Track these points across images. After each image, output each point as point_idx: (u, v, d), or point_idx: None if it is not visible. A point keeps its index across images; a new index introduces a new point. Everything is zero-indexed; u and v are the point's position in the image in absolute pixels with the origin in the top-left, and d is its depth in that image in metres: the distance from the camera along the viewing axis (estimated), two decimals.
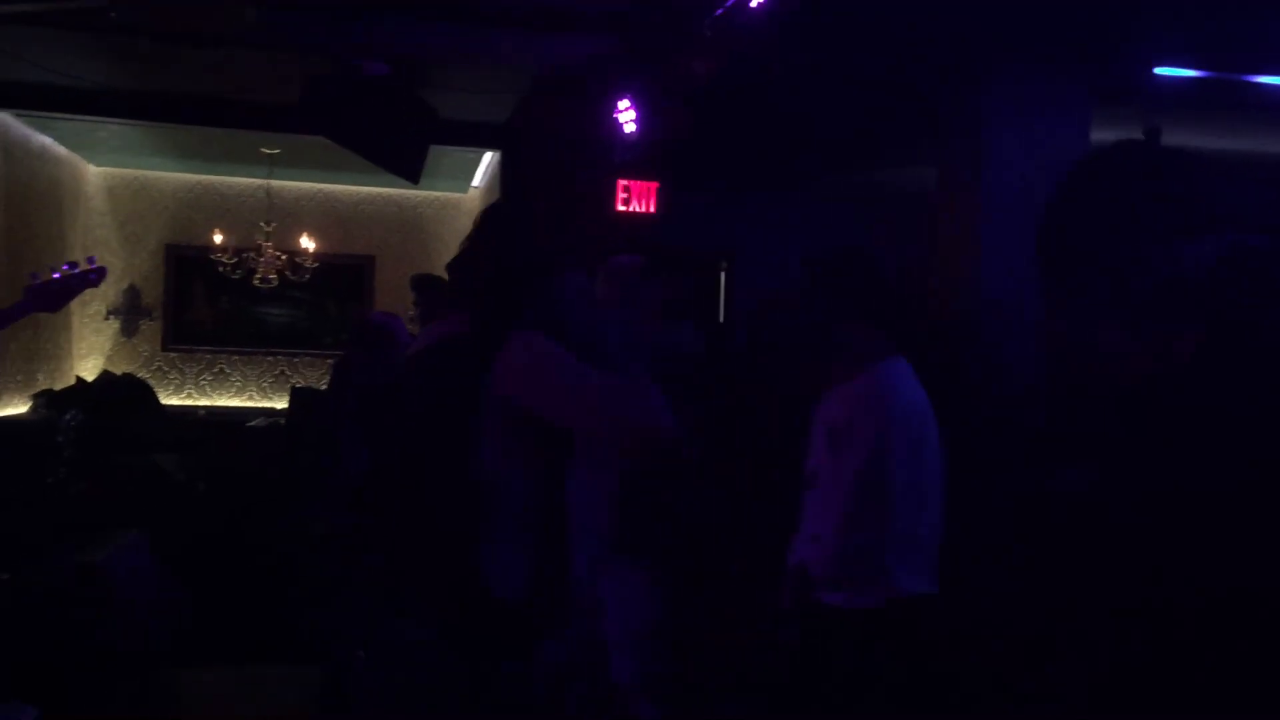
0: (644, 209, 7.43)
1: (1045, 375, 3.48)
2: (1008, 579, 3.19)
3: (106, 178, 9.65)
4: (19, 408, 7.99)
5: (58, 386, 8.58)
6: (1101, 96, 4.78)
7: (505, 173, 7.74)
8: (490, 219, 2.16)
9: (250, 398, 9.86)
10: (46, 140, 8.41)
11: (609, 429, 2.00)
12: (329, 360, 9.94)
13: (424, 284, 5.60)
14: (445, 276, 5.71)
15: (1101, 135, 4.82)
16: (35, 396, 8.14)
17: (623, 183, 7.07)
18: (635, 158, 6.30)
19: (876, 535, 2.88)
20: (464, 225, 9.26)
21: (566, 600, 2.06)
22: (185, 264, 9.69)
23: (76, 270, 3.37)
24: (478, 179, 9.35)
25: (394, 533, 2.10)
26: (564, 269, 2.04)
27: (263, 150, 8.48)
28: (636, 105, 5.90)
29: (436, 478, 2.00)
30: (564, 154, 2.36)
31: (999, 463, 3.44)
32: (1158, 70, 4.93)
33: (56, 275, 3.35)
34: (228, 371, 9.90)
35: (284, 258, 9.09)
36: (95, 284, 3.46)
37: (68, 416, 7.44)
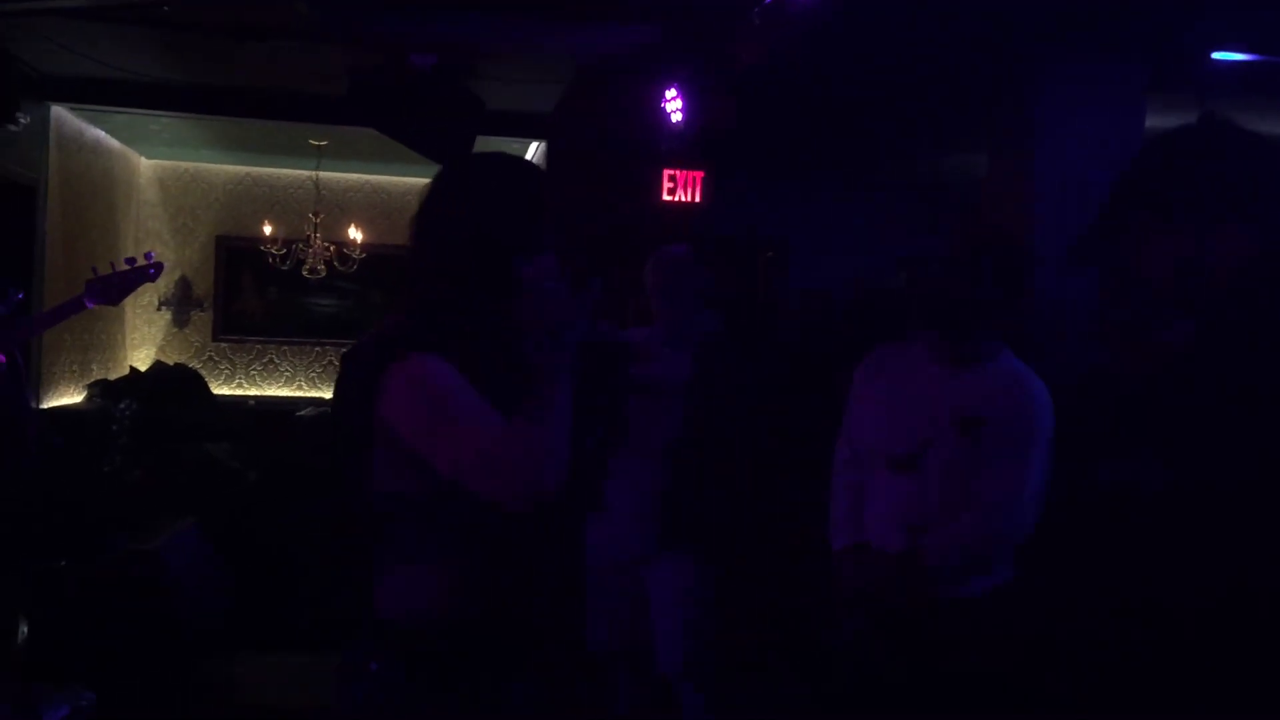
0: (690, 198, 7.41)
1: (1098, 366, 3.42)
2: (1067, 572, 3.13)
3: (158, 170, 9.78)
4: (74, 397, 8.13)
5: (112, 376, 8.71)
6: (1155, 83, 4.70)
7: (552, 162, 7.77)
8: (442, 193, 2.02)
9: (299, 387, 9.97)
10: (100, 134, 8.53)
11: (471, 480, 1.77)
12: None
13: None
14: None
15: (1155, 122, 4.74)
16: (90, 386, 8.27)
17: (668, 172, 7.05)
18: (682, 147, 6.29)
19: (1018, 530, 2.85)
20: None
21: (503, 630, 1.92)
22: (235, 255, 9.80)
23: (135, 265, 3.47)
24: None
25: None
26: (521, 255, 1.86)
27: (311, 142, 8.55)
28: (683, 94, 5.89)
29: (341, 492, 1.99)
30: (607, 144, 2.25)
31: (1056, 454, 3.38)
32: (1214, 55, 4.83)
33: (116, 270, 3.44)
34: (277, 361, 10.01)
35: (332, 248, 9.17)
36: (153, 279, 3.57)
37: (122, 406, 7.56)
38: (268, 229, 9.04)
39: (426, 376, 1.82)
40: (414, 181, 9.98)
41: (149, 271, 3.54)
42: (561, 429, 1.77)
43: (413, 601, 1.87)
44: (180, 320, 9.81)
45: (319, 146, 8.69)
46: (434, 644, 1.86)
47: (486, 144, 7.32)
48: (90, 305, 3.59)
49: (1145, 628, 1.71)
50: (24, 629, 4.28)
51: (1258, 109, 6.01)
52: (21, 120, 6.52)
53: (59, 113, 7.59)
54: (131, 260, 3.53)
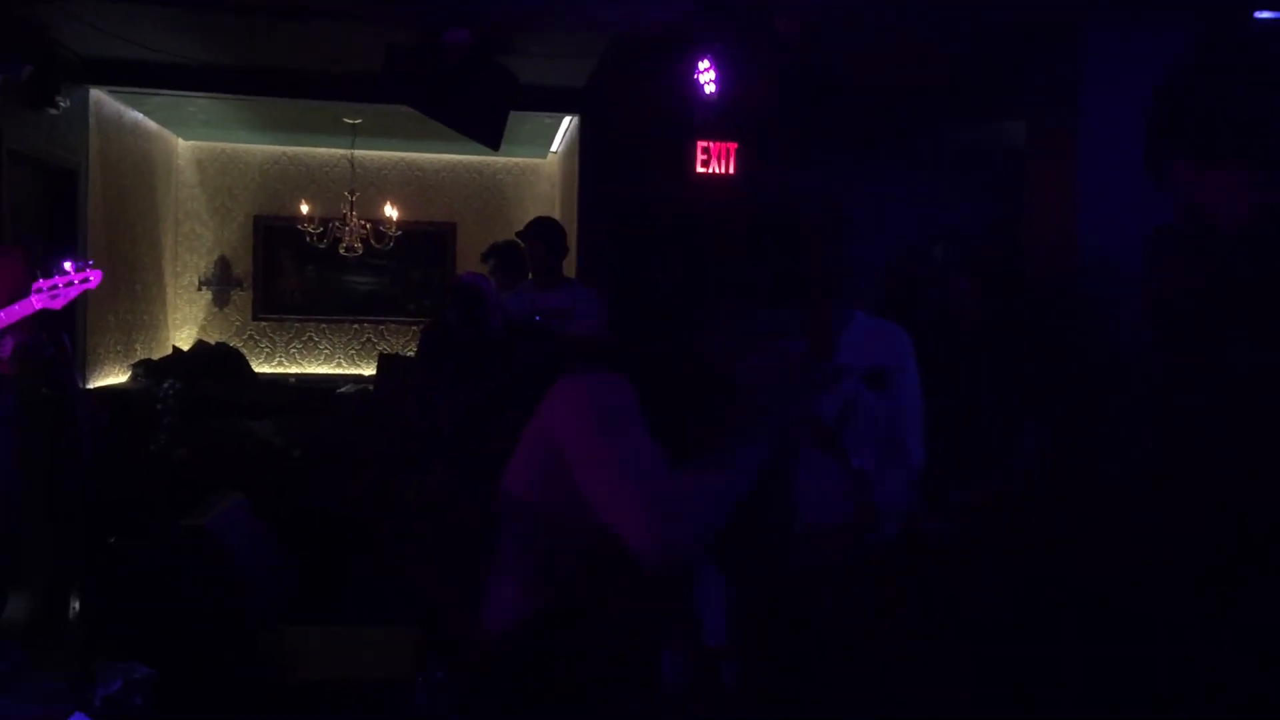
0: (723, 170, 7.38)
1: (1148, 334, 3.40)
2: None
3: (196, 151, 9.85)
4: (119, 377, 8.24)
5: (155, 356, 8.82)
6: (1198, 43, 4.63)
7: (585, 136, 7.76)
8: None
9: (339, 365, 10.05)
10: (138, 116, 8.60)
11: (620, 523, 1.60)
12: (414, 327, 10.07)
13: (502, 253, 5.64)
14: (520, 243, 5.68)
15: None
16: (134, 366, 8.38)
17: (701, 144, 7.02)
18: (715, 119, 6.26)
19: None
20: (543, 190, 9.35)
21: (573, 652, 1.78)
22: (273, 234, 9.87)
23: (77, 270, 3.88)
24: (556, 144, 9.36)
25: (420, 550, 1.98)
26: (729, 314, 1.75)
27: (346, 120, 8.58)
28: (716, 66, 5.86)
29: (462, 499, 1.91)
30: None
31: (1102, 423, 3.37)
32: (1258, 15, 4.75)
33: (58, 275, 3.86)
34: (316, 339, 10.09)
35: (368, 226, 9.21)
36: (92, 286, 3.97)
37: (166, 385, 7.66)
38: (304, 208, 9.10)
39: (612, 399, 1.66)
40: (449, 159, 10.02)
41: (88, 279, 3.96)
42: (731, 498, 1.64)
43: (514, 615, 1.75)
44: (220, 300, 9.90)
45: (354, 125, 8.72)
46: (525, 661, 1.75)
47: (521, 119, 7.33)
48: (38, 306, 3.96)
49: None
50: (75, 605, 4.37)
51: None
52: (62, 104, 6.59)
53: (98, 96, 7.66)
54: (77, 263, 3.94)
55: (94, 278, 4.04)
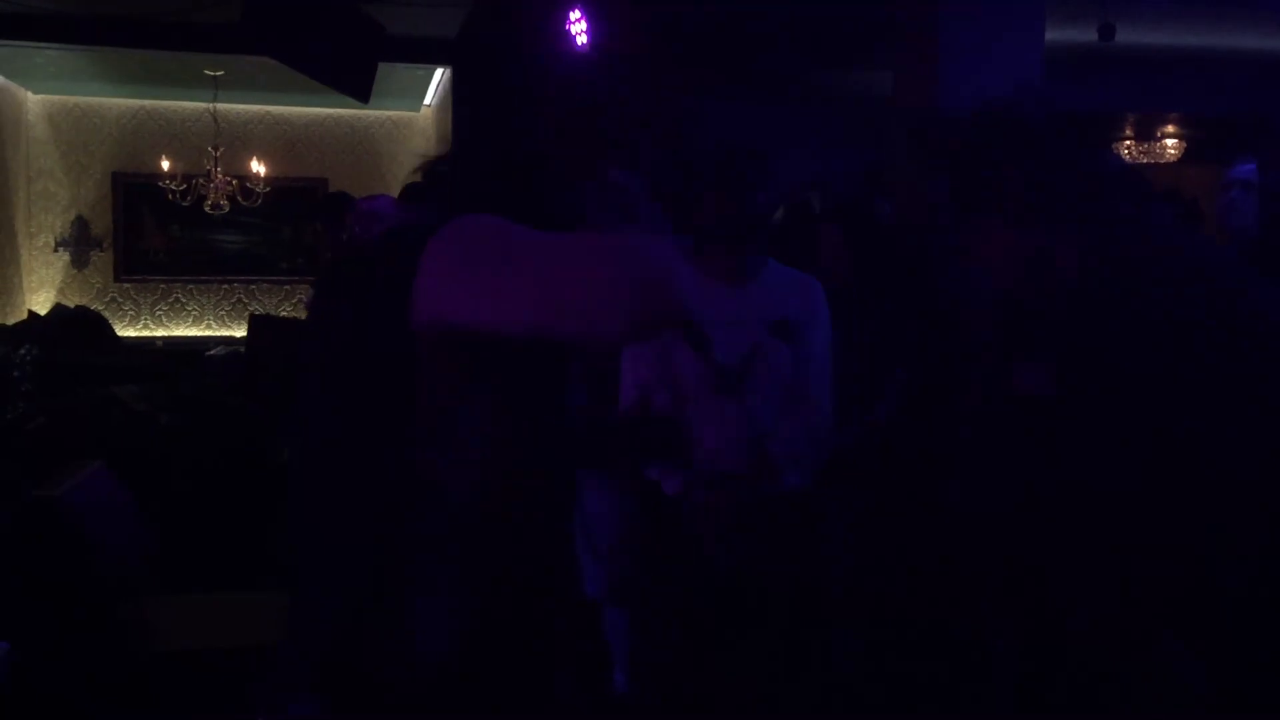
0: None
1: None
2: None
3: (47, 105, 9.39)
4: None
5: (9, 321, 8.45)
6: None
7: (457, 90, 7.61)
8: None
9: (208, 326, 9.75)
10: None
11: (590, 308, 1.22)
12: (285, 286, 9.83)
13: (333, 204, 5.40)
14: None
15: (1055, 36, 4.79)
16: None
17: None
18: (588, 71, 6.20)
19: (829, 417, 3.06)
20: (417, 144, 9.16)
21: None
22: (133, 192, 9.50)
23: None
24: (429, 97, 9.18)
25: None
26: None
27: (207, 72, 8.28)
28: (587, 16, 5.79)
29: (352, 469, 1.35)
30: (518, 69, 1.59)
31: (960, 368, 3.46)
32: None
33: None
34: (183, 301, 9.77)
35: (234, 183, 8.93)
36: None
37: (22, 351, 7.32)
38: (166, 164, 8.78)
39: (483, 220, 1.30)
40: (316, 111, 9.75)
41: None
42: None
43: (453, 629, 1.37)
44: (79, 261, 9.51)
45: (215, 77, 8.42)
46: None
47: (389, 71, 7.16)
48: None
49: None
50: None
51: (1155, 19, 6.10)
52: None
53: None
54: None
55: None
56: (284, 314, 9.68)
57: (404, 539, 1.34)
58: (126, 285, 9.63)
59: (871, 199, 4.72)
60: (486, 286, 1.24)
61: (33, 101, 9.32)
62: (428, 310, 1.26)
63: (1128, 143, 9.35)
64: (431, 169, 1.53)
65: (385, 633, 1.34)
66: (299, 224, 9.80)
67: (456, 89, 1.65)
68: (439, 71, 8.19)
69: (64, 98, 9.39)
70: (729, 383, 2.98)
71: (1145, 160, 9.17)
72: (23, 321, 8.45)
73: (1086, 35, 5.61)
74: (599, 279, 1.22)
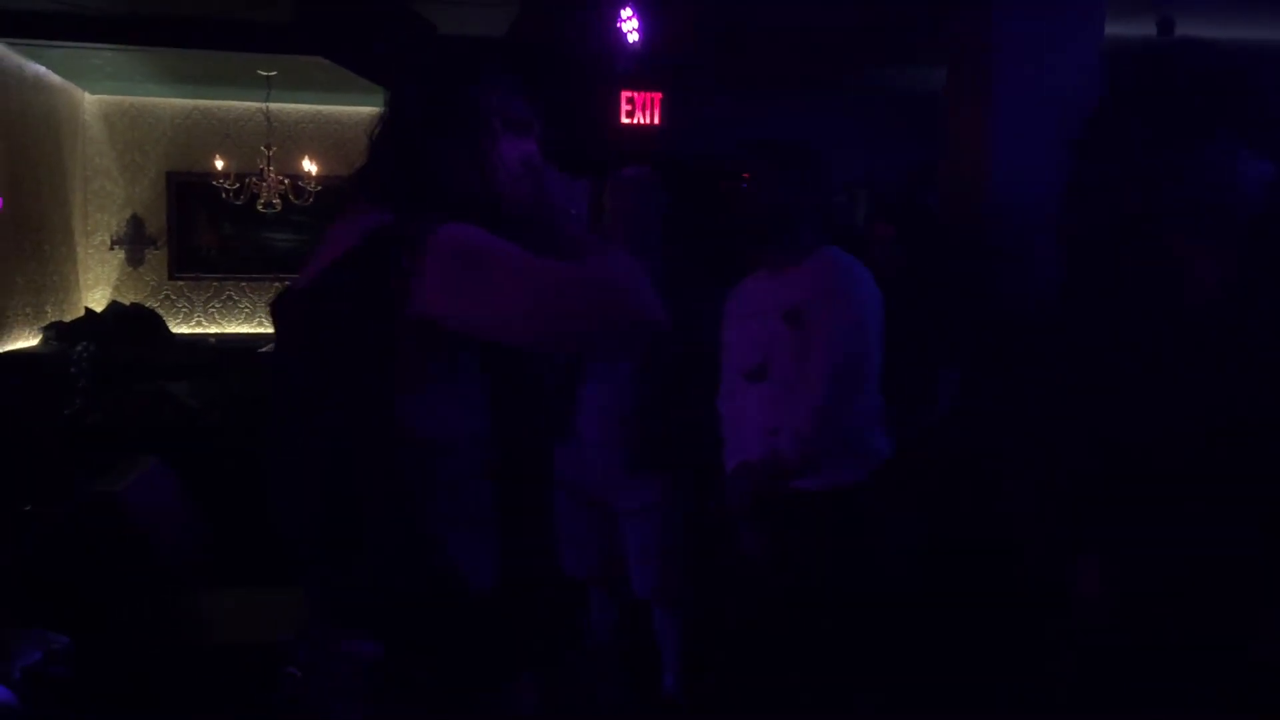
0: (648, 121, 7.32)
1: (1062, 276, 3.44)
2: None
3: (103, 106, 9.53)
4: (30, 340, 8.00)
5: (67, 318, 8.58)
6: None
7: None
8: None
9: (260, 324, 9.86)
10: (40, 69, 8.28)
11: (574, 326, 1.46)
12: None
13: None
14: None
15: (1114, 30, 4.70)
16: (45, 329, 8.14)
17: (626, 94, 6.95)
18: (639, 68, 6.20)
19: (862, 412, 3.03)
20: None
21: (547, 593, 1.64)
22: (187, 191, 9.61)
23: None
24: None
25: (310, 516, 1.57)
26: (496, 134, 1.63)
27: (260, 72, 8.35)
28: (639, 13, 5.79)
29: (363, 440, 1.49)
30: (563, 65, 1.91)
31: (1015, 365, 3.42)
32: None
33: None
34: (235, 298, 9.88)
35: (286, 181, 9.01)
36: None
37: (79, 348, 7.43)
38: (219, 163, 8.87)
39: (475, 234, 1.48)
40: (368, 111, 9.70)
41: None
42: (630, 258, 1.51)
43: (484, 565, 1.53)
44: (134, 259, 9.64)
45: (268, 77, 8.49)
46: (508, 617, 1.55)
47: None
48: None
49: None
50: None
51: (1215, 12, 5.99)
52: None
53: None
54: None
55: None
56: None
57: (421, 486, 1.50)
58: (180, 283, 9.76)
59: (923, 196, 4.68)
60: (485, 299, 1.44)
61: (89, 102, 9.46)
62: (427, 309, 1.44)
63: None
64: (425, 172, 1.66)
65: (428, 572, 1.50)
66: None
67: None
68: None
69: (120, 98, 9.51)
70: (753, 374, 3.08)
71: None
72: (80, 318, 8.57)
73: (1145, 29, 5.52)
74: (587, 307, 1.43)
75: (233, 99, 9.51)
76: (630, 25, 5.82)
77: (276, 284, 9.83)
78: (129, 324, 8.54)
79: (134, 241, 9.61)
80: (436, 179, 1.62)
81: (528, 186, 1.64)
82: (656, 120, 7.27)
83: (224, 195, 8.91)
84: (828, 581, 2.96)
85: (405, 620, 1.50)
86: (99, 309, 8.97)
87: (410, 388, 1.48)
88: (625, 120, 6.97)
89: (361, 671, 1.50)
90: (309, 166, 9.03)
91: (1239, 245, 1.64)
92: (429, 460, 1.49)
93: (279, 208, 9.03)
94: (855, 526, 3.02)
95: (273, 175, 8.88)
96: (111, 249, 9.58)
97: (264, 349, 8.48)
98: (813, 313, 2.98)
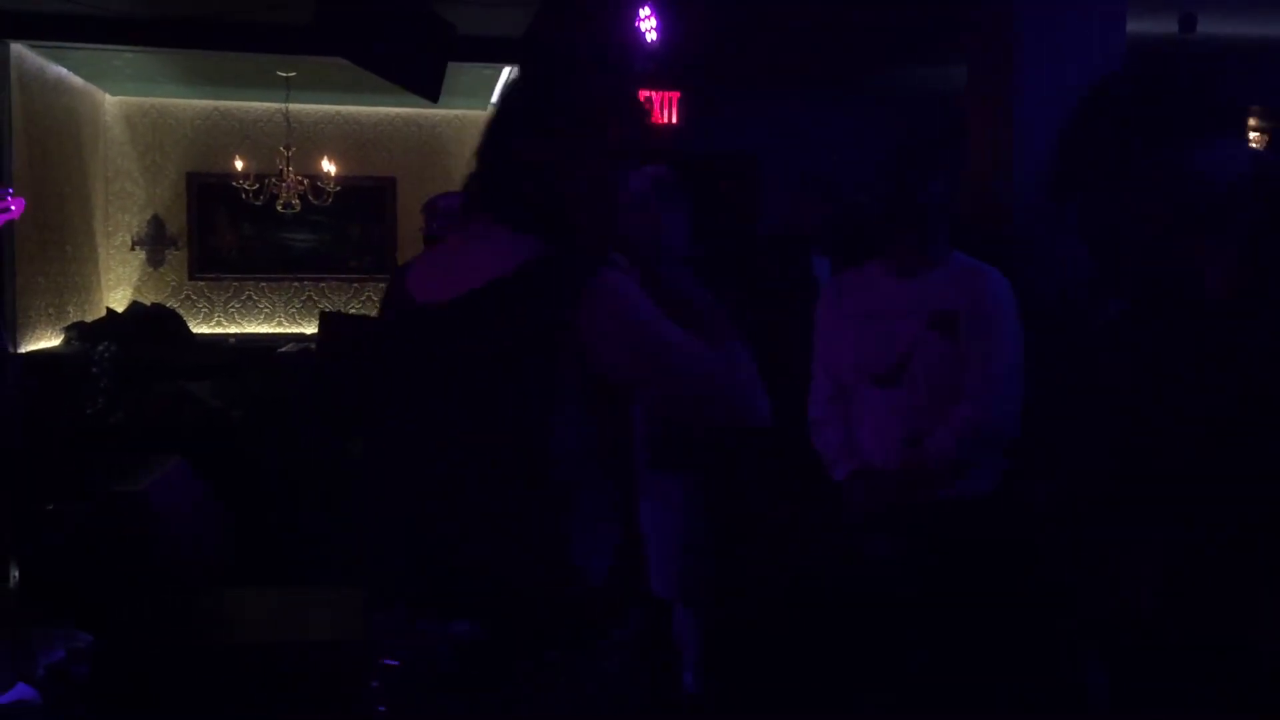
0: (666, 120, 7.32)
1: (1085, 275, 3.42)
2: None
3: (124, 107, 9.59)
4: (52, 340, 8.06)
5: (88, 318, 8.63)
6: None
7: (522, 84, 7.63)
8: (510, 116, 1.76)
9: (279, 323, 9.90)
10: (61, 71, 8.34)
11: (694, 408, 1.70)
12: (354, 284, 9.95)
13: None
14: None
15: (1136, 28, 4.67)
16: (67, 329, 8.19)
17: (644, 94, 6.95)
18: (657, 67, 6.19)
19: (1007, 417, 2.92)
20: None
21: (641, 577, 1.82)
22: (207, 192, 9.66)
23: None
24: (496, 95, 9.23)
25: (428, 511, 1.68)
26: (624, 174, 1.73)
27: (280, 74, 8.39)
28: (657, 12, 5.78)
29: (502, 448, 1.62)
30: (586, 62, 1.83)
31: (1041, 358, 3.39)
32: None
33: None
34: (255, 298, 9.93)
35: (305, 182, 9.05)
36: (15, 216, 3.69)
37: (101, 348, 7.50)
38: (239, 164, 8.91)
39: (632, 294, 1.62)
40: (385, 111, 9.84)
41: (9, 208, 3.66)
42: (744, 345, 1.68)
43: (603, 559, 1.67)
44: (155, 259, 9.70)
45: (288, 78, 8.53)
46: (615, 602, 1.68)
47: (457, 70, 7.20)
48: None
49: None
50: (14, 573, 4.29)
51: (1236, 9, 5.95)
52: None
53: (18, 50, 7.41)
54: None
55: (16, 206, 3.78)
56: (353, 311, 9.80)
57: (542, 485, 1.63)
58: (200, 283, 9.81)
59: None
60: (632, 366, 1.62)
61: (110, 103, 9.52)
62: (578, 351, 1.58)
63: None
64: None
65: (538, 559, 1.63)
66: (367, 222, 9.91)
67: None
68: (506, 70, 8.22)
69: (140, 99, 9.57)
70: (885, 378, 2.93)
71: None
72: (101, 319, 8.63)
73: (1167, 26, 5.48)
74: (717, 400, 1.66)
75: (252, 100, 9.55)
76: (649, 24, 5.81)
77: (295, 284, 9.88)
78: (150, 324, 8.59)
79: (155, 242, 9.66)
80: (574, 214, 1.70)
81: (648, 227, 1.77)
82: (674, 119, 7.27)
83: (244, 196, 8.96)
84: (965, 588, 2.86)
85: (523, 610, 1.62)
86: (120, 309, 9.02)
87: (548, 403, 1.60)
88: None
89: (469, 657, 1.60)
90: (328, 167, 9.07)
91: (1239, 243, 1.63)
92: (559, 467, 1.62)
93: (298, 208, 9.07)
94: (995, 535, 2.91)
95: (292, 176, 8.92)
96: (132, 249, 9.63)
97: (284, 348, 8.53)
98: (970, 323, 2.88)
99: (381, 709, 1.67)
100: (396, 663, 1.66)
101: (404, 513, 1.70)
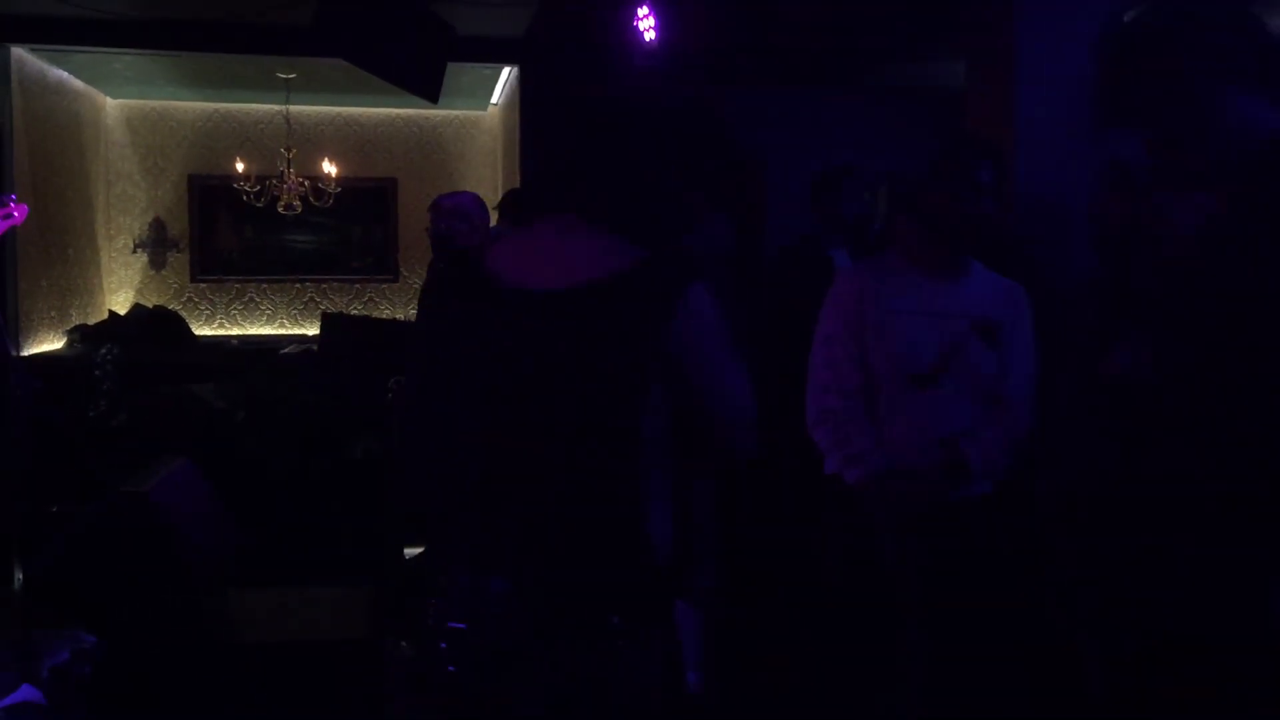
0: None
1: (1089, 265, 3.42)
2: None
3: (125, 110, 9.60)
4: (54, 343, 8.07)
5: (91, 321, 8.64)
6: None
7: (525, 87, 7.65)
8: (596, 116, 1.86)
9: (281, 325, 9.91)
10: (63, 74, 8.36)
11: (713, 426, 1.86)
12: (355, 285, 9.96)
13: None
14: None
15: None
16: (69, 332, 8.21)
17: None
18: (657, 67, 6.19)
19: (1032, 420, 2.95)
20: (484, 143, 9.22)
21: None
22: (208, 194, 9.68)
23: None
24: (496, 96, 9.23)
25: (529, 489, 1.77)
26: (702, 208, 1.98)
27: (280, 75, 8.40)
28: (655, 11, 5.78)
29: (609, 423, 1.75)
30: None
31: (1047, 353, 3.38)
32: None
33: None
34: (257, 300, 9.94)
35: (306, 183, 9.06)
36: (18, 221, 3.70)
37: (104, 350, 7.50)
38: (240, 166, 8.92)
39: (714, 309, 1.81)
40: (385, 112, 9.86)
41: (11, 214, 3.67)
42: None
43: (667, 538, 1.82)
44: (157, 262, 9.71)
45: (288, 80, 8.54)
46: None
47: (457, 71, 7.21)
48: None
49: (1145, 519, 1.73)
50: (19, 575, 4.30)
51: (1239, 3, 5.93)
52: None
53: (19, 54, 7.43)
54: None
55: (19, 212, 3.77)
56: (355, 312, 9.81)
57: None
58: (202, 285, 9.82)
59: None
60: (695, 369, 1.78)
61: (111, 106, 9.53)
62: (667, 345, 1.73)
63: None
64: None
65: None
66: (369, 223, 9.92)
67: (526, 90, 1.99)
68: (506, 70, 8.23)
69: (141, 102, 9.58)
70: (923, 379, 2.88)
71: None
72: (104, 321, 8.64)
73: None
74: (733, 429, 1.86)
75: (253, 102, 9.57)
76: (647, 24, 5.81)
77: (297, 285, 9.89)
78: (152, 326, 8.60)
79: (156, 244, 9.67)
80: (671, 229, 1.93)
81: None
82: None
83: (245, 198, 8.97)
84: (994, 584, 2.85)
85: (596, 575, 1.73)
86: (122, 312, 9.04)
87: (645, 390, 1.75)
88: None
89: (540, 620, 1.69)
90: (328, 168, 9.08)
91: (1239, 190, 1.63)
92: (641, 449, 1.76)
93: (299, 209, 9.08)
94: (1024, 528, 2.98)
95: (293, 177, 8.93)
96: (134, 252, 9.65)
97: (286, 350, 8.54)
98: (1010, 331, 2.91)
99: (451, 669, 1.71)
100: (463, 625, 1.71)
101: (480, 479, 1.79)
